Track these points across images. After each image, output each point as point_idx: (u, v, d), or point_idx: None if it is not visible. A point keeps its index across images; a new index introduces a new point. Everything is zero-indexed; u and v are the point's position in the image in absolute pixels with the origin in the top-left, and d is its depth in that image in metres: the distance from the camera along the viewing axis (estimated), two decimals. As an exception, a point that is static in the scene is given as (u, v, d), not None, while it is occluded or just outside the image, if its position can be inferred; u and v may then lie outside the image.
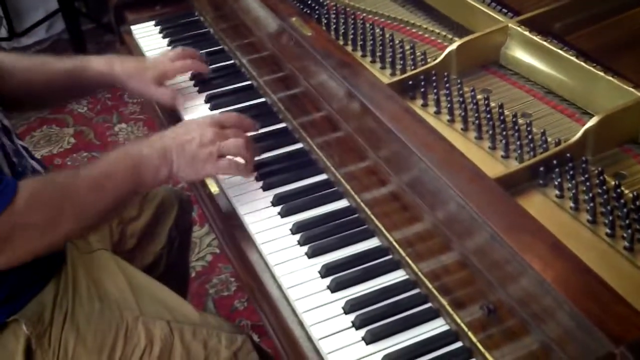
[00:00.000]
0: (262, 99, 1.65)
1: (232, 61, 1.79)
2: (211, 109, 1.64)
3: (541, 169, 1.07)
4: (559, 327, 0.87)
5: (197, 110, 1.62)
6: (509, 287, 0.95)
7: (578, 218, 1.02)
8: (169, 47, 1.87)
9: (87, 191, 1.21)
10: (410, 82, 1.29)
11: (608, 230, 0.99)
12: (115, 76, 1.58)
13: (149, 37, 1.93)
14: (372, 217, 1.26)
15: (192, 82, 1.73)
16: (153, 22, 1.98)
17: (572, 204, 1.03)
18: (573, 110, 1.21)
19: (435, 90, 1.27)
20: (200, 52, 1.76)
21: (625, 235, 0.97)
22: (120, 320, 1.34)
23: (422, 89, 1.27)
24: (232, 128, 1.35)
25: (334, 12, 1.56)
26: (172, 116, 1.64)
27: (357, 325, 1.12)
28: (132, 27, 1.97)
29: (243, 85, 1.70)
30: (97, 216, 1.23)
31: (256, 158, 1.47)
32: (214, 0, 1.86)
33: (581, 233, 1.00)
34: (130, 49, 1.94)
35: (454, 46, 1.31)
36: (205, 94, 1.68)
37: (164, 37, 1.92)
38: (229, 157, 1.32)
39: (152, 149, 1.28)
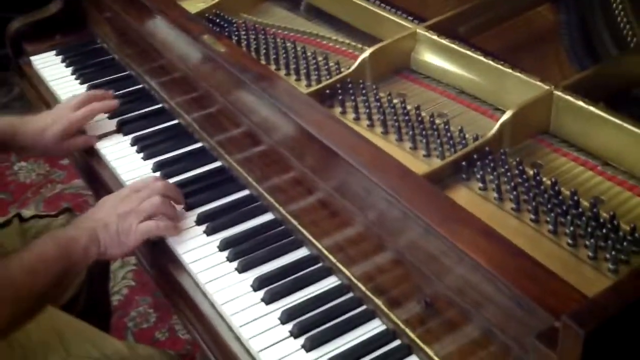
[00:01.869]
0: (175, 121, 1.64)
1: (140, 85, 1.77)
2: (125, 134, 1.61)
3: (463, 163, 1.10)
4: (498, 310, 0.89)
5: (111, 138, 1.60)
6: (445, 278, 0.97)
7: (503, 207, 1.06)
8: (74, 76, 1.83)
9: (22, 276, 1.17)
10: (328, 91, 1.31)
11: (532, 216, 1.02)
12: (18, 146, 1.54)
13: (51, 66, 1.89)
14: (299, 227, 1.27)
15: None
16: (54, 52, 1.94)
17: (495, 195, 1.07)
18: (486, 107, 1.26)
19: (352, 98, 1.29)
20: (108, 86, 1.75)
21: (548, 219, 1.01)
22: None
23: (340, 97, 1.29)
24: (145, 188, 1.32)
25: (244, 29, 1.56)
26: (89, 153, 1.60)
27: (296, 334, 1.12)
28: (32, 58, 1.92)
29: (154, 109, 1.69)
30: (35, 299, 1.20)
31: (176, 179, 1.46)
32: (117, 26, 1.84)
33: (508, 221, 1.03)
34: (32, 81, 1.89)
35: (366, 53, 1.33)
36: (116, 119, 1.65)
37: (67, 66, 1.88)
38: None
39: (80, 230, 1.26)
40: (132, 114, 1.67)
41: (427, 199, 1.00)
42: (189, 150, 1.54)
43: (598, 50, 1.35)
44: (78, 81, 1.83)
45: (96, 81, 1.80)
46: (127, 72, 1.83)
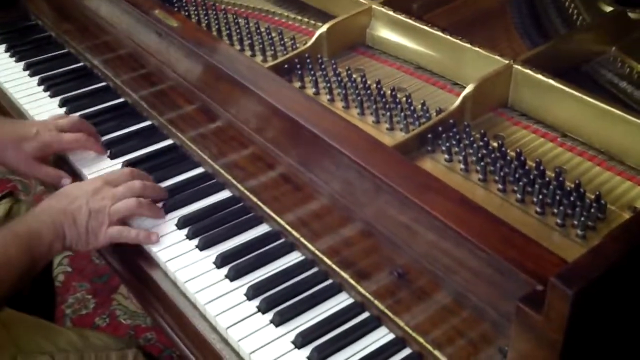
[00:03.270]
0: (121, 99, 1.59)
1: (81, 64, 1.72)
2: (68, 112, 1.56)
3: (429, 135, 1.11)
4: (475, 278, 0.90)
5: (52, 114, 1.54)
6: (419, 249, 0.97)
7: (470, 178, 1.07)
8: (8, 54, 1.76)
9: None
10: (286, 66, 1.29)
11: (500, 186, 1.04)
12: None
13: (-19, 45, 1.81)
14: (259, 203, 1.25)
15: (42, 87, 1.64)
16: (-18, 30, 1.86)
17: (462, 166, 1.08)
18: (444, 82, 1.27)
19: (311, 73, 1.29)
20: (46, 64, 1.69)
21: (516, 188, 1.03)
22: None
23: (298, 72, 1.28)
24: (123, 186, 1.24)
25: (194, 5, 1.53)
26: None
27: (263, 309, 1.11)
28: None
29: (98, 87, 1.64)
30: None
31: (126, 157, 1.42)
32: (55, 2, 1.77)
33: (475, 191, 1.05)
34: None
35: (323, 29, 1.33)
36: (58, 98, 1.60)
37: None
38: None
39: (42, 224, 1.17)
40: (76, 91, 1.62)
41: (400, 170, 1.00)
42: (138, 129, 1.51)
43: (546, 27, 1.38)
44: (13, 59, 1.76)
45: (33, 59, 1.74)
46: (65, 50, 1.77)
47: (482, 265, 0.89)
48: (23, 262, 1.13)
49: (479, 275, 0.90)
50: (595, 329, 0.80)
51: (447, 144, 1.10)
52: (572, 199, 1.00)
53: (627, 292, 0.81)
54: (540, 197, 1.01)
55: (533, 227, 0.98)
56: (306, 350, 1.05)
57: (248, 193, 1.27)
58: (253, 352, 1.05)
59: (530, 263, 0.84)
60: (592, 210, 0.98)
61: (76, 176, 1.41)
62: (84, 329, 2.01)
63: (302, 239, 1.18)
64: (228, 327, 1.09)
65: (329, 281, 1.15)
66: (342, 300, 1.13)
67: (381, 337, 1.07)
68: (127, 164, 1.41)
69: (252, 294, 1.13)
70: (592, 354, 0.83)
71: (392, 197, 0.98)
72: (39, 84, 1.65)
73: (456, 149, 1.11)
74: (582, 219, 0.97)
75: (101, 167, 1.41)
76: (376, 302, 1.08)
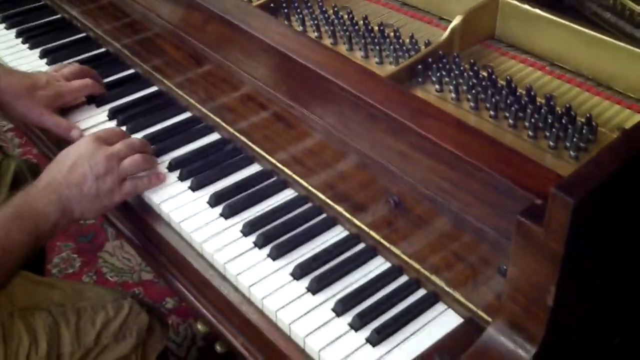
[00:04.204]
0: (103, 49, 1.58)
1: (59, 15, 1.70)
2: (49, 63, 1.54)
3: (419, 67, 1.12)
4: (473, 200, 0.92)
5: (33, 66, 1.52)
6: (415, 175, 0.98)
7: (461, 107, 1.08)
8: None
9: None
10: (271, 5, 1.29)
11: (491, 113, 1.05)
12: None
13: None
14: (249, 143, 1.26)
15: (20, 40, 1.62)
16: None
17: (453, 95, 1.09)
18: (430, 17, 1.28)
19: (298, 11, 1.28)
20: (22, 17, 1.67)
21: (507, 114, 1.04)
22: None
23: (285, 11, 1.28)
24: (121, 142, 1.21)
25: None
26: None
27: (260, 244, 1.12)
28: None
29: (78, 38, 1.62)
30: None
31: (112, 105, 1.41)
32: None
33: (468, 119, 1.06)
34: None
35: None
36: (38, 49, 1.58)
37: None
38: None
39: (48, 203, 1.12)
40: (55, 43, 1.60)
41: (395, 97, 1.00)
42: (122, 77, 1.49)
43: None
44: (-11, 12, 1.73)
45: (9, 12, 1.71)
46: (42, 2, 1.75)
47: (480, 185, 0.90)
48: (27, 244, 1.10)
49: (477, 196, 0.91)
50: (594, 239, 0.82)
51: (438, 75, 1.11)
52: (563, 122, 1.02)
53: (624, 202, 0.82)
54: (532, 121, 1.02)
55: (526, 151, 0.99)
56: (305, 281, 1.06)
57: (238, 134, 1.28)
58: (252, 285, 1.06)
59: (527, 179, 0.86)
60: (584, 132, 1.00)
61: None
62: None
63: (294, 176, 1.19)
64: (225, 263, 1.10)
65: (324, 215, 1.16)
66: (337, 233, 1.14)
67: (378, 266, 1.09)
68: (114, 111, 1.40)
69: (248, 230, 1.14)
70: (590, 265, 0.85)
71: (388, 125, 0.99)
72: (17, 36, 1.63)
73: (446, 79, 1.12)
74: (574, 140, 0.98)
75: (87, 116, 1.40)
76: (372, 232, 1.09)
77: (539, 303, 0.83)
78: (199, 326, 1.70)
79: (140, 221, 1.23)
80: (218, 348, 1.61)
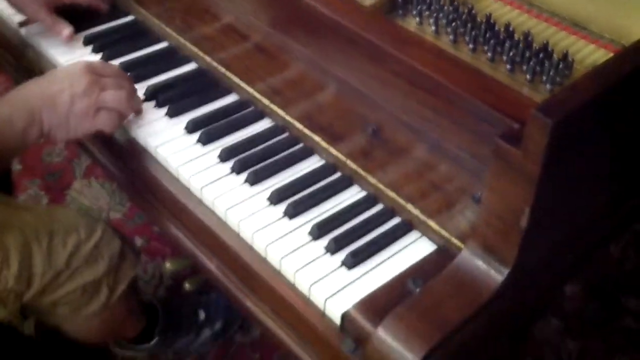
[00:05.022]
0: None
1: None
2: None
3: (399, 0, 1.13)
4: (452, 127, 0.94)
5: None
6: (395, 103, 1.00)
7: (441, 39, 1.09)
8: None
9: None
10: None
11: (470, 46, 1.07)
12: None
13: None
14: (226, 73, 1.26)
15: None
16: None
17: (433, 28, 1.10)
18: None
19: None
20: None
21: (486, 48, 1.06)
22: None
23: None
24: (111, 77, 1.19)
25: None
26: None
27: (237, 170, 1.13)
28: None
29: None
30: None
31: (86, 33, 1.40)
32: None
33: (447, 51, 1.07)
34: None
35: None
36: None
37: None
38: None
39: (15, 109, 1.10)
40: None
41: (376, 24, 1.01)
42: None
43: None
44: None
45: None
46: None
47: (459, 112, 0.92)
48: None
49: (456, 123, 0.93)
50: (571, 163, 0.84)
51: (418, 8, 1.12)
52: (540, 57, 1.04)
53: (602, 128, 0.85)
54: (510, 55, 1.04)
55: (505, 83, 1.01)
56: (282, 206, 1.08)
57: (215, 64, 1.28)
58: (229, 208, 1.07)
59: (507, 105, 0.88)
60: (560, 66, 1.02)
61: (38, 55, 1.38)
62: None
63: (272, 106, 1.20)
64: (202, 187, 1.11)
65: (301, 145, 1.17)
66: (315, 162, 1.15)
67: (354, 194, 1.10)
68: (90, 37, 1.38)
69: (224, 156, 1.15)
70: (566, 190, 0.87)
71: (368, 52, 1.00)
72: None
73: (427, 12, 1.13)
74: (551, 74, 1.01)
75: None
76: (348, 161, 1.11)
77: (513, 225, 0.86)
78: (168, 265, 1.72)
79: (118, 147, 1.23)
80: (187, 286, 1.63)
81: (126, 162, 1.23)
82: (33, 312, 1.49)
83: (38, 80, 1.16)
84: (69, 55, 1.35)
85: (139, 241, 2.02)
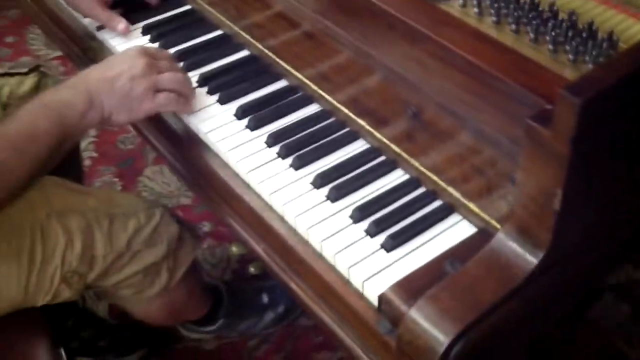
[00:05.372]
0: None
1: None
2: None
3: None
4: (488, 108, 0.93)
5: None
6: (433, 86, 1.00)
7: (483, 21, 1.08)
8: None
9: (8, 156, 1.08)
10: None
11: (513, 27, 1.05)
12: None
13: None
14: (277, 59, 1.28)
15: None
16: None
17: (475, 10, 1.09)
18: None
19: None
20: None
21: (529, 29, 1.04)
22: (33, 220, 1.22)
23: None
24: (167, 60, 1.23)
25: None
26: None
27: (282, 154, 1.15)
28: None
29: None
30: (24, 179, 1.12)
31: (144, 23, 1.44)
32: None
33: (490, 33, 1.06)
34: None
35: None
36: None
37: None
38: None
39: (75, 93, 1.14)
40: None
41: (417, 9, 1.01)
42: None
43: None
44: None
45: None
46: None
47: (494, 93, 0.92)
48: (52, 134, 1.12)
49: (492, 104, 0.93)
50: (602, 143, 0.83)
51: (460, -11, 1.11)
52: (584, 36, 1.01)
53: (634, 107, 0.83)
54: (553, 35, 1.02)
55: (546, 64, 0.99)
56: (325, 190, 1.09)
57: (266, 50, 1.30)
58: (273, 192, 1.10)
59: (541, 86, 0.87)
60: (604, 46, 1.00)
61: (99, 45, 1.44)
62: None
63: (319, 91, 1.21)
64: (248, 172, 1.13)
65: (346, 129, 1.18)
66: (359, 146, 1.16)
67: (397, 178, 1.11)
68: (148, 27, 1.43)
69: (271, 141, 1.17)
70: (598, 171, 0.86)
71: (405, 34, 1.00)
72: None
73: (469, -6, 1.12)
74: (594, 54, 0.98)
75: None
76: (392, 145, 1.11)
77: (547, 208, 0.85)
78: (234, 249, 1.76)
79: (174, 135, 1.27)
80: (251, 269, 1.67)
81: (181, 149, 1.27)
82: (99, 294, 1.56)
83: (97, 66, 1.21)
84: (129, 44, 1.40)
85: (206, 226, 2.07)
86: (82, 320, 1.76)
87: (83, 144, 2.37)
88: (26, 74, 1.54)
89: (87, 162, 2.33)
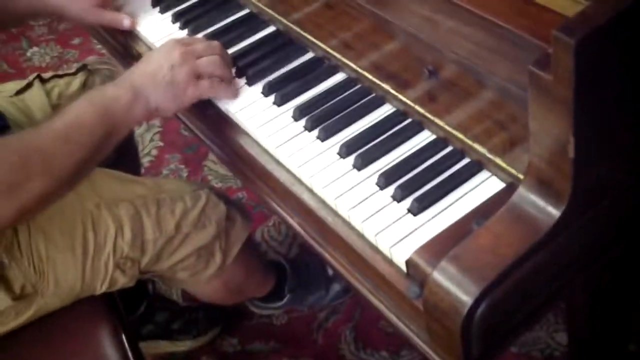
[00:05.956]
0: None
1: None
2: None
3: None
4: (499, 59, 0.91)
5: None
6: (443, 40, 0.97)
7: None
8: None
9: (53, 144, 1.10)
10: None
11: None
12: (50, 2, 1.41)
13: None
14: (302, 33, 1.27)
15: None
16: None
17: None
18: None
19: None
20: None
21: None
22: (83, 211, 1.28)
23: None
24: (201, 46, 1.23)
25: None
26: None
27: (309, 127, 1.15)
28: None
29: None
30: (71, 169, 1.12)
31: (175, 9, 1.46)
32: None
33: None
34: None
35: None
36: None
37: None
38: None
39: (118, 88, 1.17)
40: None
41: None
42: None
43: None
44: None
45: None
46: None
47: (504, 43, 0.89)
48: (99, 125, 1.14)
49: (501, 54, 0.90)
50: (606, 82, 0.79)
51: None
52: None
53: (631, 43, 0.78)
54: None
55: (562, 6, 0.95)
56: (351, 159, 1.08)
57: (291, 24, 1.30)
58: (300, 165, 1.10)
59: (543, 29, 0.83)
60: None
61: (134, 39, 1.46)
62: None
63: (344, 59, 1.20)
64: (277, 147, 1.13)
65: (371, 95, 1.17)
66: (385, 112, 1.15)
67: (423, 139, 1.09)
68: (175, 14, 1.44)
69: (298, 115, 1.17)
70: (604, 111, 0.82)
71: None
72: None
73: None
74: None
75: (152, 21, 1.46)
76: (416, 106, 1.09)
77: (562, 156, 0.82)
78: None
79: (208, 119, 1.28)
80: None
81: (215, 130, 1.28)
82: (157, 279, 1.61)
83: (138, 64, 1.23)
84: (162, 35, 1.42)
85: (270, 204, 2.09)
86: (155, 305, 1.82)
87: (149, 135, 2.44)
88: (74, 74, 1.59)
89: (154, 152, 2.39)
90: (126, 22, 1.43)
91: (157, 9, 1.48)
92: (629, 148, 0.87)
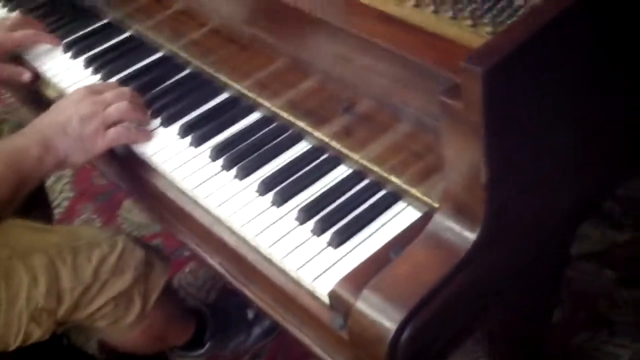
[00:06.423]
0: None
1: None
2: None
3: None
4: (410, 91, 0.93)
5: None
6: (358, 77, 1.00)
7: (404, 5, 1.08)
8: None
9: None
10: None
11: (432, 8, 1.05)
12: None
13: None
14: (216, 74, 1.29)
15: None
16: None
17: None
18: None
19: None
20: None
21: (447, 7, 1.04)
22: None
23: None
24: (111, 92, 1.24)
25: None
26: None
27: (227, 166, 1.15)
28: None
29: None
30: None
31: (87, 55, 1.45)
32: None
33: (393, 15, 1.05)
34: None
35: None
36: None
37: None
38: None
39: (28, 138, 1.16)
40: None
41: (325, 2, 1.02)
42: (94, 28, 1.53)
43: None
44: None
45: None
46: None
47: (411, 75, 0.91)
48: (10, 178, 1.14)
49: (412, 86, 0.93)
50: (517, 110, 0.82)
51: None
52: (499, 6, 1.01)
53: (539, 70, 0.82)
54: (470, 10, 1.02)
55: (468, 40, 0.99)
56: (269, 196, 1.09)
57: (204, 67, 1.31)
58: (219, 205, 1.10)
59: (452, 61, 0.86)
60: (521, 12, 0.99)
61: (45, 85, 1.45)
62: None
63: (258, 99, 1.22)
64: (194, 188, 1.13)
65: (288, 132, 1.18)
66: (302, 148, 1.16)
67: (340, 174, 1.11)
68: (88, 60, 1.43)
69: (215, 155, 1.17)
70: (522, 138, 0.85)
71: (320, 30, 1.00)
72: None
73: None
74: (509, 21, 0.98)
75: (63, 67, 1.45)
76: (332, 142, 1.11)
77: (475, 181, 0.84)
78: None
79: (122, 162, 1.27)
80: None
81: (129, 173, 1.27)
82: (77, 329, 1.56)
83: (47, 113, 1.22)
84: (74, 80, 1.40)
85: (188, 250, 2.07)
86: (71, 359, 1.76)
87: (59, 186, 2.39)
88: None
89: (65, 204, 2.34)
90: (26, 76, 1.43)
91: (69, 54, 1.46)
92: (541, 172, 0.91)
